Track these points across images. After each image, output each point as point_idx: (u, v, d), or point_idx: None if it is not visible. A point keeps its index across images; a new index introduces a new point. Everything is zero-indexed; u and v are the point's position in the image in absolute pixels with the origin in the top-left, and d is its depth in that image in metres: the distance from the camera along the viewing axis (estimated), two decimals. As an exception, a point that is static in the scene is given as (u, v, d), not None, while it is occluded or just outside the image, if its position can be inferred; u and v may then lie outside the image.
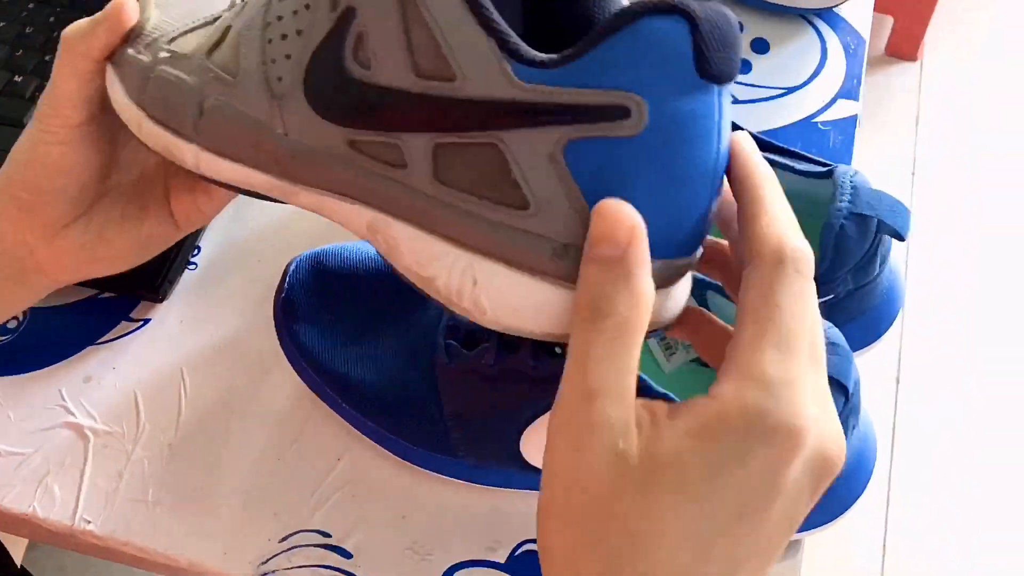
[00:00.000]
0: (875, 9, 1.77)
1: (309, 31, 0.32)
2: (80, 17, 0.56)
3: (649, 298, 0.27)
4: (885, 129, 1.67)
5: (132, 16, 0.37)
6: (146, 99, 0.36)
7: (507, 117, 0.28)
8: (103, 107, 0.38)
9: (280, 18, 0.33)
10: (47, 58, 0.54)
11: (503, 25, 0.28)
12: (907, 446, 1.30)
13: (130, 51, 0.37)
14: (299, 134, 0.33)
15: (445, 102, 0.29)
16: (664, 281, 0.30)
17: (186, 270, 0.50)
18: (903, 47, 1.74)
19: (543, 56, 0.28)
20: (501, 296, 0.30)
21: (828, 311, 0.43)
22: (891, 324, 0.47)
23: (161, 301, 0.48)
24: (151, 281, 0.48)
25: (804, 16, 0.63)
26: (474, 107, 0.29)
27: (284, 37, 0.32)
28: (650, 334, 0.37)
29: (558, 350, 0.37)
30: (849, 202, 0.41)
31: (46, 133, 0.37)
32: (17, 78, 0.53)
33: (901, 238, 0.43)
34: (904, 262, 1.50)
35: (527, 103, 0.28)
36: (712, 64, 0.27)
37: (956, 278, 1.49)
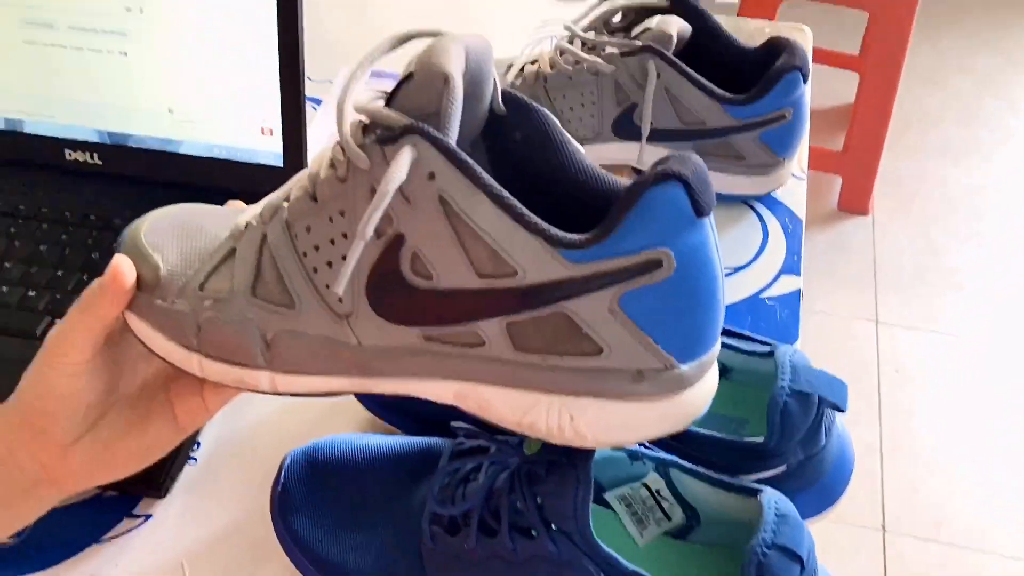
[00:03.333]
0: (823, 169, 1.88)
1: (355, 257, 0.36)
2: (91, 235, 0.62)
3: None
4: (846, 282, 1.76)
5: (129, 277, 0.41)
6: (202, 343, 0.40)
7: (566, 291, 0.35)
8: (107, 344, 0.42)
9: (317, 248, 0.38)
10: (59, 273, 0.59)
11: (542, 223, 0.35)
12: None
13: (159, 302, 0.41)
14: (373, 340, 0.38)
15: (511, 291, 0.36)
16: (705, 369, 0.37)
17: (186, 465, 0.53)
18: (853, 203, 1.85)
19: (580, 237, 0.35)
20: (597, 423, 0.37)
21: (780, 482, 0.47)
22: (844, 489, 0.51)
23: (163, 497, 0.51)
24: (154, 479, 0.51)
25: (745, 201, 0.70)
26: (537, 291, 0.35)
27: (330, 265, 0.37)
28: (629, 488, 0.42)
29: (534, 532, 0.41)
30: (790, 381, 0.46)
31: (53, 368, 0.41)
32: (31, 292, 0.58)
33: (841, 410, 0.47)
34: (877, 408, 1.54)
35: (581, 278, 0.35)
36: (703, 205, 0.35)
37: (930, 420, 1.53)
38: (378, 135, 0.36)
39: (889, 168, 1.94)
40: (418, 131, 0.34)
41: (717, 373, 0.39)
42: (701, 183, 0.35)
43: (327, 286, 0.38)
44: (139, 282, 0.41)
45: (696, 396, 0.37)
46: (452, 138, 0.35)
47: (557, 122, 0.40)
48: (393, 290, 0.37)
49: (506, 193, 0.35)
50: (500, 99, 0.40)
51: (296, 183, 0.41)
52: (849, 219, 1.86)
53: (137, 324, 0.42)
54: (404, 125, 0.35)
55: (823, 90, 1.99)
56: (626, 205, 0.34)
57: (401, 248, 0.36)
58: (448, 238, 0.35)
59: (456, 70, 0.35)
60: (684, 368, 0.36)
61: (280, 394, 0.40)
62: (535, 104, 0.40)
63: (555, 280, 0.35)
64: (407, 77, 0.36)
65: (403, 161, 0.34)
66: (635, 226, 0.34)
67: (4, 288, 0.58)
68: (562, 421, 0.37)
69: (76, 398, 0.42)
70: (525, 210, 0.35)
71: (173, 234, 0.43)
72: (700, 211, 0.35)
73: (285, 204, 0.40)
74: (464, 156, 0.35)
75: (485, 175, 0.35)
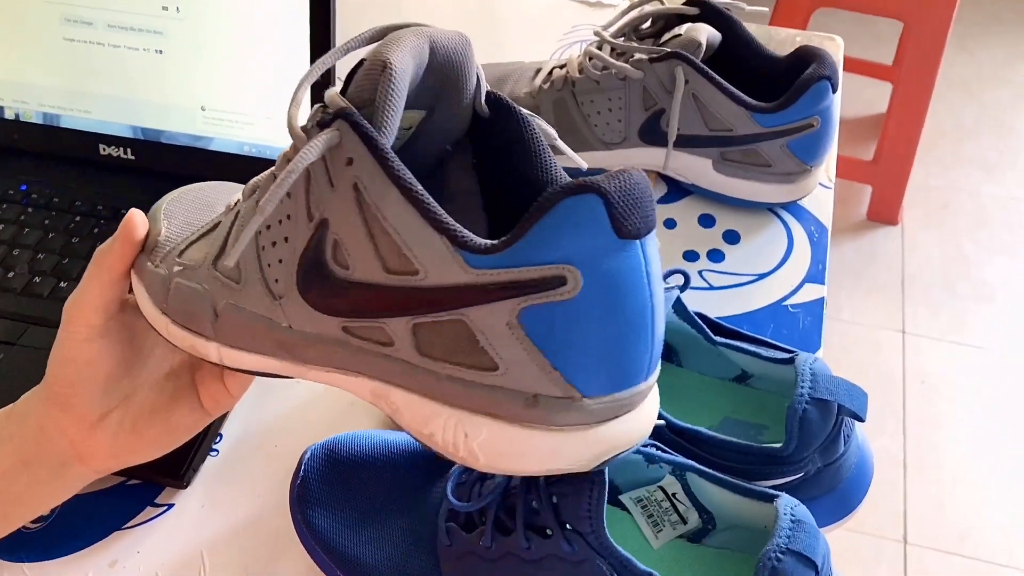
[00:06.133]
0: (853, 178, 1.87)
1: (293, 239, 0.37)
2: (96, 224, 0.64)
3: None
4: (873, 292, 1.74)
5: (140, 228, 0.43)
6: (169, 307, 0.41)
7: (466, 297, 0.34)
8: (120, 309, 0.44)
9: (269, 227, 0.38)
10: (65, 261, 0.61)
11: (451, 222, 0.34)
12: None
13: (149, 264, 0.42)
14: (300, 325, 0.38)
15: (413, 291, 0.34)
16: (622, 409, 0.35)
17: (208, 456, 0.54)
18: (883, 213, 1.83)
19: (487, 243, 0.33)
20: (489, 445, 0.35)
21: (797, 489, 0.47)
22: (863, 498, 0.50)
23: (185, 487, 0.52)
24: (176, 469, 0.52)
25: (771, 209, 0.70)
26: (437, 293, 0.34)
27: (274, 244, 0.38)
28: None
29: (549, 531, 0.41)
30: (810, 388, 0.46)
31: (71, 333, 0.43)
32: (62, 284, 0.59)
33: (860, 419, 0.47)
34: (901, 420, 1.52)
35: (480, 285, 0.33)
36: (628, 224, 0.32)
37: (955, 432, 1.51)
38: (319, 119, 0.35)
39: (920, 178, 1.92)
40: (345, 116, 0.34)
41: (648, 416, 0.36)
42: (630, 201, 0.32)
43: (268, 265, 0.38)
44: (146, 245, 0.43)
45: (606, 437, 0.34)
46: (389, 127, 0.34)
47: (543, 128, 0.38)
48: (317, 277, 0.36)
49: (419, 188, 0.33)
50: (483, 99, 0.39)
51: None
52: (878, 229, 1.85)
53: (136, 285, 0.44)
54: (338, 108, 0.34)
55: (855, 99, 1.98)
56: (536, 214, 0.32)
57: (326, 233, 0.35)
58: (360, 228, 0.34)
59: (401, 60, 0.34)
60: (589, 402, 0.34)
61: (225, 367, 0.41)
62: (520, 109, 0.39)
63: (454, 284, 0.33)
64: (359, 64, 0.35)
65: (318, 143, 0.33)
66: (542, 237, 0.32)
67: (37, 279, 0.59)
68: (456, 438, 0.35)
69: (93, 366, 0.43)
70: (437, 208, 0.33)
71: (188, 206, 0.45)
72: (624, 232, 0.32)
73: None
74: (384, 146, 0.33)
75: (402, 167, 0.33)
